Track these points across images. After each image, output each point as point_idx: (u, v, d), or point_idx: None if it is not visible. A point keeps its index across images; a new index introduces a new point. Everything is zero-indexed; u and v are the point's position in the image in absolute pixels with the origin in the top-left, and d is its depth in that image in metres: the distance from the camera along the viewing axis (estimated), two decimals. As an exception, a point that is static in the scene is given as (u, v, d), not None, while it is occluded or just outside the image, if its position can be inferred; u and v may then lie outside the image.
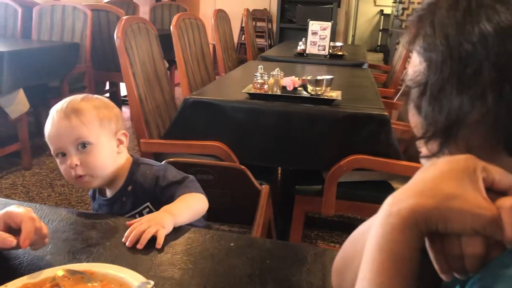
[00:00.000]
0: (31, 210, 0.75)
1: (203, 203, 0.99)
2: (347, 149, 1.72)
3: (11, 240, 0.71)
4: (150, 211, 1.01)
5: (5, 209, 0.75)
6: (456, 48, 0.45)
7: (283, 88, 1.85)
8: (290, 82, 1.84)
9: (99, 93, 5.07)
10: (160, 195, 1.00)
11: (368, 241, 0.44)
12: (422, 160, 0.53)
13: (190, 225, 0.92)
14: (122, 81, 3.11)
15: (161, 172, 1.02)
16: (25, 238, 0.71)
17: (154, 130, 1.99)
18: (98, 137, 0.97)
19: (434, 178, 0.42)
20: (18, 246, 0.72)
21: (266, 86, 1.84)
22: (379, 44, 11.06)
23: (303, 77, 1.85)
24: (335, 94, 1.84)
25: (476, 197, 0.41)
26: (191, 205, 0.96)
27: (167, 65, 4.25)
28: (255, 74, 1.85)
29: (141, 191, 1.01)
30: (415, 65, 0.51)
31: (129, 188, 1.02)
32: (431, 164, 0.44)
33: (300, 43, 3.44)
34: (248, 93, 1.82)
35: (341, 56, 3.36)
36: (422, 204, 0.41)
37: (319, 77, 1.82)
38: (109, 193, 1.05)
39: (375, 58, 9.24)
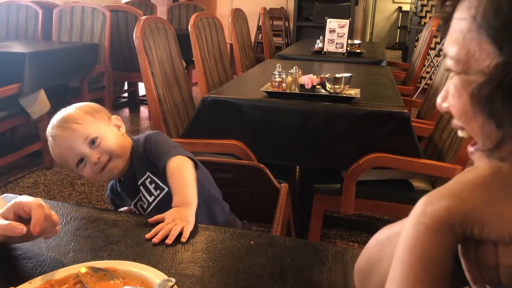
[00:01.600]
0: (40, 199, 0.75)
1: (191, 166, 1.01)
2: (366, 148, 1.71)
3: (21, 227, 0.70)
4: (152, 181, 1.06)
5: (14, 200, 0.75)
6: None
7: (301, 86, 1.85)
8: (308, 80, 1.83)
9: (118, 93, 5.17)
10: (152, 161, 1.05)
11: (400, 242, 0.42)
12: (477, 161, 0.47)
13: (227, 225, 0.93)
14: (141, 81, 3.13)
15: (148, 142, 1.07)
16: (36, 224, 0.70)
17: (172, 129, 2.01)
18: (99, 129, 1.04)
19: (475, 181, 0.40)
20: (30, 237, 0.73)
21: (284, 85, 1.84)
22: (397, 41, 10.95)
23: (321, 75, 1.84)
24: (354, 92, 1.82)
25: (509, 201, 0.38)
26: (191, 180, 0.98)
27: (185, 64, 4.30)
28: (273, 72, 1.85)
29: (141, 162, 1.07)
30: (480, 55, 0.39)
31: (133, 164, 1.08)
32: (472, 168, 0.42)
33: (318, 41, 3.43)
34: (266, 91, 1.82)
35: (359, 54, 3.34)
36: (459, 206, 0.39)
37: (337, 75, 1.82)
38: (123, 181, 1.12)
39: (394, 55, 9.15)
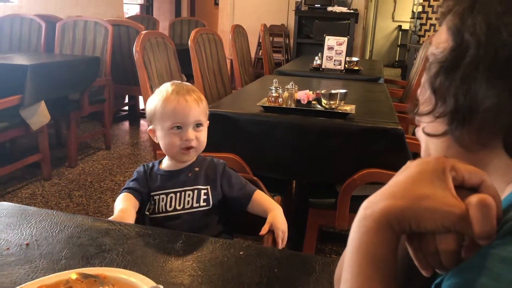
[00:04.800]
0: None
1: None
2: (361, 163, 1.73)
3: None
4: (207, 194, 1.19)
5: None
6: (494, 36, 0.45)
7: (297, 101, 1.87)
8: (304, 95, 1.85)
9: (118, 106, 5.21)
10: (222, 184, 1.22)
11: (347, 245, 0.46)
12: (419, 134, 0.55)
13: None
14: (141, 95, 3.18)
15: (226, 168, 1.25)
16: None
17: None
18: (205, 122, 1.21)
19: (406, 180, 0.44)
20: None
21: (280, 100, 1.86)
22: (397, 59, 11.03)
23: (317, 91, 1.86)
24: (349, 108, 1.85)
25: (446, 196, 0.42)
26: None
27: (185, 79, 4.34)
28: (270, 87, 1.88)
29: (205, 175, 1.21)
30: (441, 41, 0.50)
31: (196, 169, 1.21)
32: (404, 168, 0.46)
33: (316, 58, 3.47)
34: (262, 106, 1.84)
35: (357, 71, 3.38)
36: (394, 205, 0.43)
37: (333, 91, 1.84)
38: (172, 167, 1.22)
39: (393, 73, 9.22)
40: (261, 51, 6.46)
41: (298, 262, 0.83)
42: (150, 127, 1.21)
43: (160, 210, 1.17)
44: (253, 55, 6.26)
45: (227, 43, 4.92)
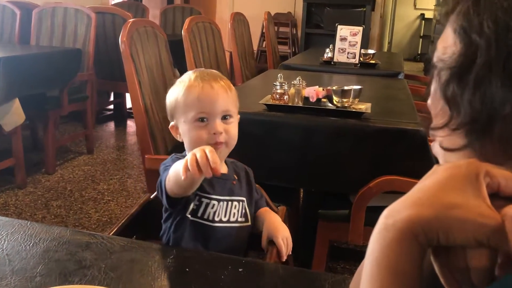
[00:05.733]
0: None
1: None
2: (377, 169, 1.73)
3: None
4: (244, 208, 1.20)
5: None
6: (504, 33, 0.46)
7: (305, 99, 1.88)
8: (313, 92, 1.86)
9: (103, 104, 5.22)
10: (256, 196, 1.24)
11: (365, 259, 0.45)
12: (435, 150, 0.55)
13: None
14: (128, 91, 3.19)
15: (251, 171, 1.28)
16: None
17: (160, 144, 2.03)
18: (235, 114, 1.19)
19: (433, 186, 0.43)
20: None
21: (286, 97, 1.87)
22: (419, 52, 11.03)
23: (328, 87, 1.87)
24: (364, 107, 1.85)
25: (479, 205, 0.41)
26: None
27: (178, 74, 4.35)
28: (274, 83, 1.88)
29: (241, 185, 1.22)
30: (448, 44, 0.51)
31: (235, 177, 1.22)
32: (431, 172, 0.46)
33: (327, 50, 3.48)
34: (265, 104, 1.85)
35: (373, 65, 3.38)
36: (419, 215, 0.42)
37: (346, 87, 1.84)
38: None
39: (415, 68, 9.22)
40: (264, 42, 6.48)
41: (304, 280, 0.83)
42: (172, 123, 1.20)
43: (207, 217, 1.14)
44: (255, 47, 6.28)
45: (225, 33, 4.93)
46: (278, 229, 1.15)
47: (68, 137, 4.09)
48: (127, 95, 4.96)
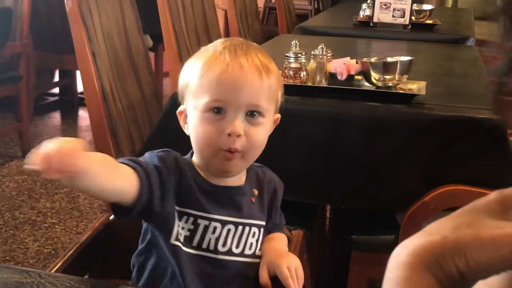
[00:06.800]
0: None
1: None
2: (436, 176, 1.72)
3: None
4: (258, 236, 1.20)
5: None
6: None
7: (331, 76, 1.87)
8: (342, 67, 1.85)
9: (45, 87, 5.23)
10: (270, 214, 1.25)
11: None
12: None
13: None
14: (78, 68, 3.18)
15: (281, 184, 1.32)
16: None
17: (124, 143, 2.04)
18: (268, 111, 1.17)
19: (444, 218, 0.50)
20: None
21: (303, 74, 1.86)
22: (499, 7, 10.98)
23: (364, 59, 1.86)
24: (416, 87, 1.84)
25: (491, 222, 0.47)
26: None
27: (150, 43, 4.36)
28: (287, 54, 1.88)
29: (263, 203, 1.24)
30: None
31: (255, 191, 1.23)
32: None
33: (364, 6, 3.48)
34: (274, 84, 1.85)
35: (431, 27, 3.38)
36: (428, 242, 0.47)
37: (390, 59, 1.84)
38: (220, 180, 1.20)
39: (491, 30, 9.17)
40: (274, -4, 6.47)
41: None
42: (181, 107, 1.21)
43: (206, 246, 1.14)
44: (261, 3, 6.26)
45: (219, -16, 4.91)
46: (281, 256, 1.15)
47: (-6, 134, 4.10)
48: (78, 74, 4.95)
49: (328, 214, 2.55)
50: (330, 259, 2.22)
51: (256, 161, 1.84)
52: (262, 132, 1.16)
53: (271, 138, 1.78)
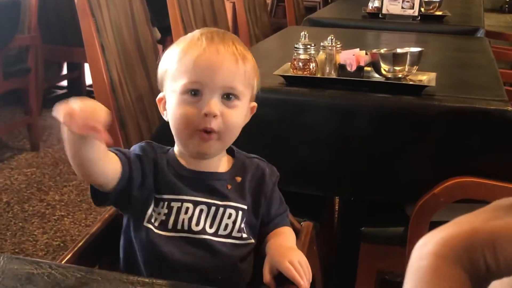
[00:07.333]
0: None
1: None
2: (446, 168, 1.72)
3: None
4: (242, 218, 1.22)
5: None
6: None
7: (341, 68, 1.87)
8: (352, 58, 1.85)
9: (54, 80, 5.23)
10: (264, 208, 1.26)
11: None
12: None
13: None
14: (87, 61, 3.18)
15: (274, 173, 1.32)
16: None
17: (133, 135, 2.04)
18: (244, 95, 1.21)
19: (474, 212, 0.50)
20: None
21: (312, 66, 1.86)
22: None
23: (374, 50, 1.86)
24: (426, 78, 1.84)
25: None
26: None
27: (158, 35, 4.36)
28: (296, 45, 1.87)
29: (244, 188, 1.25)
30: None
31: (238, 179, 1.25)
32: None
33: (373, -3, 3.47)
34: (283, 76, 1.85)
35: (440, 18, 3.38)
36: (458, 232, 0.47)
37: (399, 50, 1.83)
38: (198, 166, 1.24)
39: (502, 22, 9.14)
40: (282, -12, 6.46)
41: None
42: (160, 94, 1.25)
43: (180, 227, 1.18)
44: (269, -5, 6.25)
45: (227, -24, 4.89)
46: (283, 253, 1.16)
47: (3, 128, 4.12)
48: (87, 67, 4.96)
49: (337, 206, 2.56)
50: (339, 251, 2.22)
51: (262, 152, 1.85)
52: (238, 115, 1.19)
53: (279, 129, 1.79)
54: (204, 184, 1.21)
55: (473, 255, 0.45)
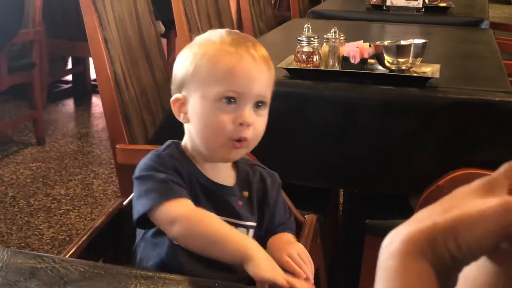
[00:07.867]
0: None
1: None
2: (450, 159, 1.72)
3: None
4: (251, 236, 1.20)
5: None
6: None
7: (344, 60, 1.86)
8: (355, 50, 1.84)
9: (58, 75, 5.24)
10: (267, 214, 1.26)
11: None
12: None
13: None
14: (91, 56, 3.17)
15: (276, 181, 1.30)
16: None
17: (137, 130, 2.04)
18: (269, 102, 1.20)
19: (433, 204, 0.51)
20: None
21: (316, 58, 1.86)
22: (513, -10, 10.90)
23: (378, 42, 1.85)
24: (430, 70, 1.84)
25: (477, 201, 0.48)
26: None
27: (162, 29, 4.35)
28: (299, 38, 1.87)
29: (252, 203, 1.24)
30: None
31: (245, 194, 1.24)
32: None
33: (377, -12, 3.46)
34: (287, 68, 1.85)
35: (444, 10, 3.37)
36: (418, 227, 0.48)
37: (403, 42, 1.83)
38: (214, 176, 1.22)
39: (506, 13, 9.11)
40: (286, -20, 6.44)
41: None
42: (178, 95, 1.21)
43: None
44: (273, -13, 6.23)
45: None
46: (283, 247, 1.17)
47: (8, 122, 4.12)
48: (91, 61, 4.95)
49: (341, 199, 2.56)
50: (343, 243, 2.22)
51: (266, 145, 1.85)
52: (264, 123, 1.19)
53: (284, 122, 1.79)
54: (220, 200, 1.20)
55: (436, 248, 0.46)
